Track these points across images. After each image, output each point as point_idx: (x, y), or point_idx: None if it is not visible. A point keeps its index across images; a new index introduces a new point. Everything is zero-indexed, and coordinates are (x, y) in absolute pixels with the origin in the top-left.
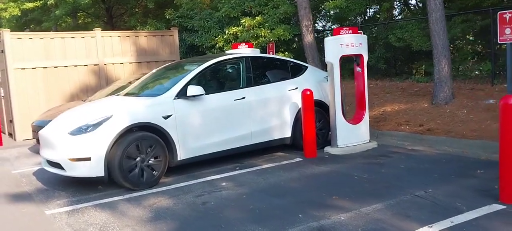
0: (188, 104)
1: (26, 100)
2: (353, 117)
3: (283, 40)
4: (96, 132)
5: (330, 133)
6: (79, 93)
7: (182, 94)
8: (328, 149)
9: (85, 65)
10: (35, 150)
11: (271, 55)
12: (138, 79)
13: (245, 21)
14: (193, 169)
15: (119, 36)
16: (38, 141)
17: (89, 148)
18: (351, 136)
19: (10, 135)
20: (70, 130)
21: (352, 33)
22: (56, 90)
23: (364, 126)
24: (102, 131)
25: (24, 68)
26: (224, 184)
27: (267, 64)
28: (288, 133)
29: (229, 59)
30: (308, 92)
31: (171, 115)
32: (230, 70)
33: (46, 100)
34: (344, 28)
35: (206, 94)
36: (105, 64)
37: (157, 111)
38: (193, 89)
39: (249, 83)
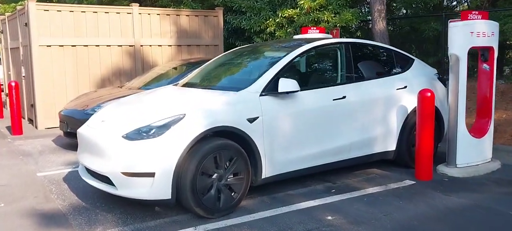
0: (278, 103)
1: (51, 82)
2: (474, 128)
3: (346, 27)
4: (163, 138)
5: (438, 146)
6: (111, 77)
7: (270, 89)
8: (443, 169)
9: (119, 46)
10: (62, 143)
11: (373, 42)
12: (185, 65)
13: (303, 2)
14: (274, 189)
15: (158, 14)
16: (66, 134)
17: (152, 159)
18: (473, 153)
19: (31, 121)
20: (125, 132)
21: (482, 18)
22: (86, 72)
23: (488, 140)
24: (171, 136)
25: (50, 46)
26: (329, 217)
27: (369, 54)
28: (392, 146)
29: (325, 45)
30: (429, 94)
31: (257, 117)
32: (326, 61)
33: (74, 84)
34: (473, 12)
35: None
36: (141, 45)
37: (241, 112)
38: (286, 84)
39: (349, 79)
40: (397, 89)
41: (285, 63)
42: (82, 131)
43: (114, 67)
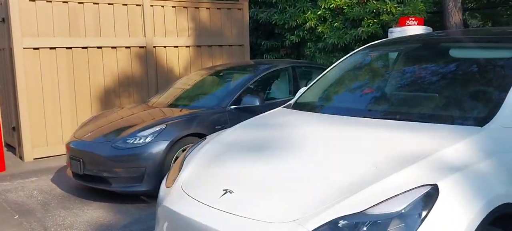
0: None
1: (40, 97)
2: None
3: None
4: None
5: None
6: (118, 88)
7: None
8: None
9: (127, 47)
10: (69, 185)
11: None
12: (219, 73)
13: None
14: None
15: (173, 6)
16: (80, 177)
17: None
18: None
19: (9, 146)
20: (314, 226)
21: None
22: (85, 83)
23: None
24: None
25: (37, 48)
26: None
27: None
28: None
29: None
30: None
31: None
32: None
33: (70, 99)
34: None
35: None
36: (154, 46)
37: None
38: None
39: None
40: None
41: None
42: (179, 209)
43: (121, 76)
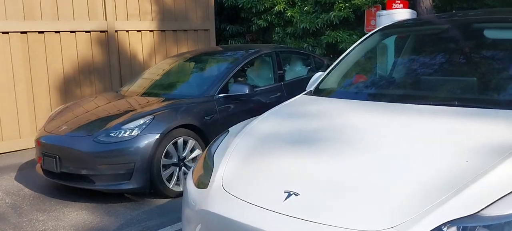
0: None
1: None
2: None
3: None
4: None
5: None
6: (78, 76)
7: None
8: None
9: (86, 32)
10: (40, 184)
11: None
12: (191, 60)
13: None
14: None
15: None
16: (54, 175)
17: None
18: None
19: None
20: None
21: None
22: (43, 71)
23: None
24: None
25: None
26: None
27: None
28: None
29: None
30: None
31: None
32: None
33: (27, 88)
34: None
35: None
36: (116, 31)
37: None
38: None
39: None
40: None
41: None
42: (231, 215)
43: (81, 62)
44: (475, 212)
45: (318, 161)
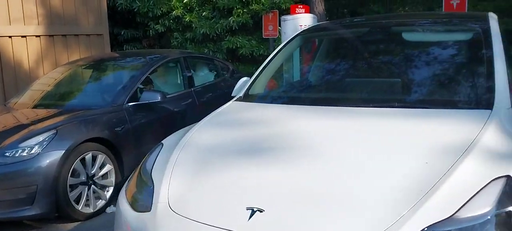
0: None
1: None
2: None
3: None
4: None
5: None
6: None
7: None
8: None
9: None
10: None
11: None
12: (88, 66)
13: None
14: None
15: None
16: None
17: None
18: None
19: None
20: None
21: None
22: None
23: None
24: None
25: None
26: None
27: None
28: None
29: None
30: None
31: None
32: None
33: None
34: None
35: None
36: None
37: None
38: None
39: None
40: None
41: None
42: None
43: None
44: (450, 215)
45: (276, 172)
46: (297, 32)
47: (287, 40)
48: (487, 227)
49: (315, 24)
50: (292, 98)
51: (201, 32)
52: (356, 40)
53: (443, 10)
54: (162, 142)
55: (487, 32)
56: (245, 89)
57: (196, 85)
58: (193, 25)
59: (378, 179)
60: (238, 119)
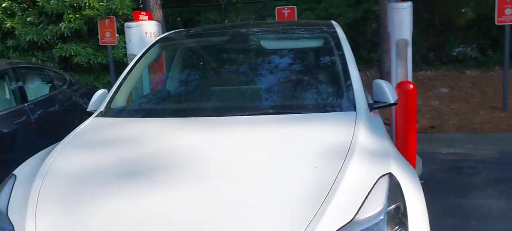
0: None
1: None
2: None
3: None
4: None
5: None
6: None
7: None
8: None
9: None
10: None
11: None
12: None
13: None
14: None
15: None
16: None
17: None
18: None
19: None
20: None
21: None
22: None
23: None
24: None
25: None
26: None
27: None
28: None
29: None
30: (411, 86)
31: None
32: None
33: None
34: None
35: None
36: None
37: None
38: None
39: None
40: None
41: None
42: None
43: None
44: (351, 219)
45: (162, 196)
46: (156, 40)
47: (145, 49)
48: (380, 225)
49: (172, 31)
50: (161, 111)
51: (27, 39)
52: (218, 49)
53: (276, 18)
54: (14, 172)
55: (337, 39)
56: (106, 103)
57: (29, 100)
58: (16, 31)
59: (274, 190)
60: (105, 138)
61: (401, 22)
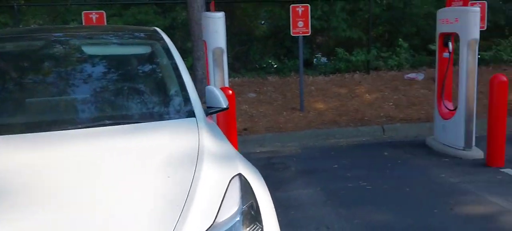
0: None
1: None
2: None
3: None
4: None
5: None
6: None
7: None
8: None
9: None
10: None
11: None
12: None
13: None
14: None
15: None
16: None
17: None
18: None
19: None
20: None
21: None
22: None
23: None
24: None
25: None
26: None
27: None
28: None
29: None
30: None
31: None
32: None
33: None
34: None
35: None
36: None
37: None
38: None
39: None
40: None
41: None
42: None
43: None
44: (211, 223)
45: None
46: None
47: None
48: (237, 226)
49: None
50: None
51: None
52: (34, 55)
53: (83, 23)
54: None
55: (166, 46)
56: None
57: None
58: None
59: (128, 208)
60: None
61: (216, 31)
